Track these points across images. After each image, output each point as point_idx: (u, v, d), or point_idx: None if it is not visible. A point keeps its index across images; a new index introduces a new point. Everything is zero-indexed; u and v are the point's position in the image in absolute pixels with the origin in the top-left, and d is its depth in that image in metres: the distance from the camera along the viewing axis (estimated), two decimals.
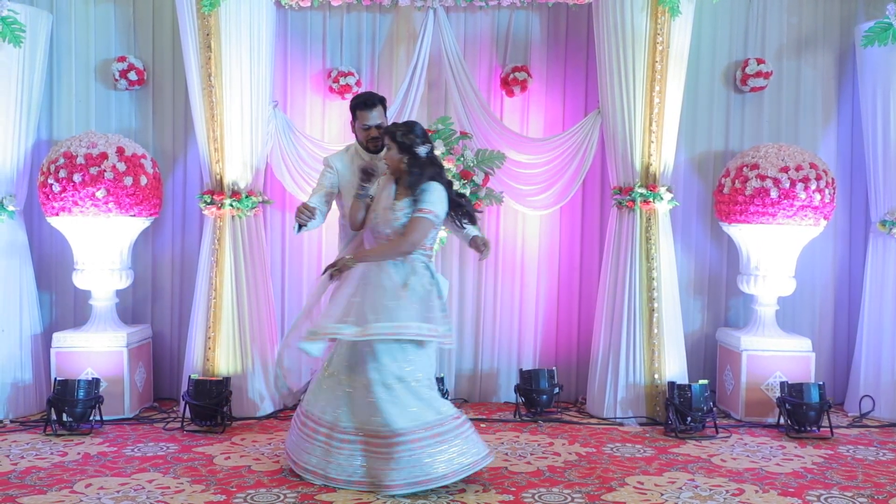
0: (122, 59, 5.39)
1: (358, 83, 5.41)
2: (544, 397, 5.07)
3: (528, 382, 5.11)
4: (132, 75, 5.38)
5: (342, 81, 5.36)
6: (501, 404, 5.40)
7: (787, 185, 4.86)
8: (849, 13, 5.52)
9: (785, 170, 4.89)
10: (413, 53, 5.24)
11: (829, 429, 4.70)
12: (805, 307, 5.57)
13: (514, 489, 3.72)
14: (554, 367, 5.28)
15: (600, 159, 5.40)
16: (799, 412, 4.69)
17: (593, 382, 5.17)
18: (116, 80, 5.41)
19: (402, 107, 5.18)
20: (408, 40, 5.43)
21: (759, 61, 5.41)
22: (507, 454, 4.27)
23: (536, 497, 3.62)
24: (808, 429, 4.71)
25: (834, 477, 3.98)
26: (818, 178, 4.91)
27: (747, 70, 5.41)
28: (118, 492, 3.65)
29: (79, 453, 4.24)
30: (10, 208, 5.04)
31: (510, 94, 5.46)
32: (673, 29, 4.91)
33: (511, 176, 5.27)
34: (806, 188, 4.87)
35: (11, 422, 4.88)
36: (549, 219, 5.54)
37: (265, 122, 5.12)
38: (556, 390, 5.12)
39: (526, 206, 5.34)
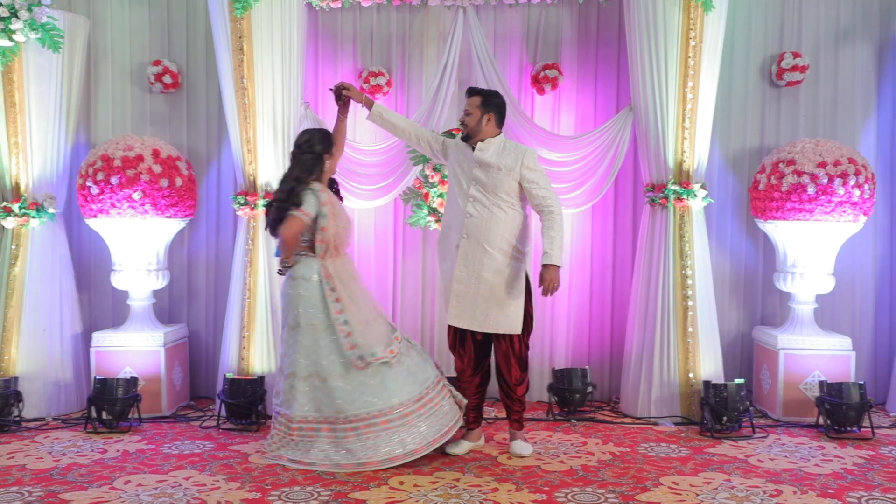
0: (157, 62, 5.47)
1: (388, 83, 5.44)
2: (577, 396, 5.05)
3: (561, 381, 5.09)
4: (167, 79, 5.46)
5: (373, 81, 5.39)
6: (534, 403, 5.38)
7: (825, 181, 4.77)
8: (888, 4, 5.40)
9: (822, 165, 4.80)
10: (443, 52, 5.24)
11: (870, 429, 4.61)
12: (844, 305, 5.46)
13: (546, 488, 3.71)
14: (587, 366, 5.25)
15: (632, 156, 5.36)
16: (838, 412, 4.60)
17: (627, 381, 5.14)
18: (152, 83, 5.49)
19: (433, 106, 5.18)
20: (438, 39, 5.44)
21: (796, 55, 5.32)
22: (540, 453, 4.26)
23: (570, 496, 3.61)
24: (849, 429, 4.62)
25: (875, 478, 3.90)
26: (857, 174, 4.81)
27: (783, 64, 5.32)
28: (156, 488, 3.71)
29: (118, 450, 4.31)
30: (51, 211, 5.15)
31: (541, 91, 5.44)
32: (706, 23, 4.85)
33: None
34: (844, 184, 4.78)
35: (53, 419, 4.99)
36: (580, 217, 5.50)
37: (297, 123, 5.16)
38: (590, 389, 5.09)
39: None
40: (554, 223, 4.07)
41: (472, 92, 4.24)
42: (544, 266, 4.06)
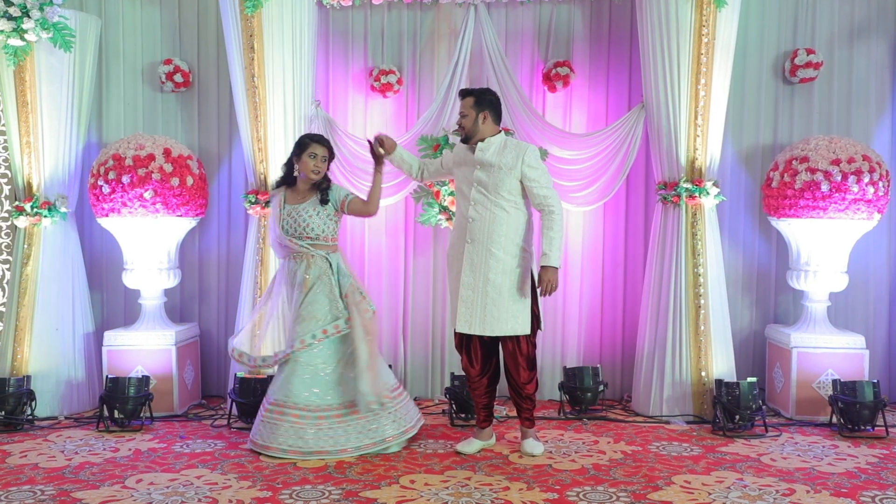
0: (168, 61, 5.49)
1: (399, 81, 5.43)
2: (589, 395, 5.03)
3: (573, 380, 5.07)
4: (178, 77, 5.47)
5: (384, 80, 5.38)
6: (546, 402, 5.36)
7: (839, 178, 4.73)
8: None
9: (836, 162, 4.77)
10: (454, 50, 5.23)
11: (884, 428, 4.57)
12: (858, 303, 5.42)
13: (558, 487, 3.70)
14: (598, 365, 5.23)
15: (644, 154, 5.33)
16: (852, 411, 4.57)
17: (639, 380, 5.12)
18: (163, 82, 5.51)
19: (444, 104, 5.18)
20: (449, 37, 5.43)
21: (809, 51, 5.28)
22: (551, 452, 4.25)
23: (581, 495, 3.59)
24: (862, 428, 4.59)
25: (889, 477, 3.86)
26: (871, 171, 4.77)
27: (796, 61, 5.28)
28: (167, 487, 3.72)
29: (130, 449, 4.33)
30: (63, 210, 5.17)
31: (552, 89, 5.42)
32: (719, 20, 4.82)
33: (554, 172, 5.20)
34: (858, 181, 4.74)
35: (66, 418, 5.01)
36: (592, 215, 5.49)
37: (308, 121, 5.16)
38: (601, 388, 5.07)
39: (569, 202, 5.29)
40: (554, 223, 4.05)
41: (464, 93, 4.22)
42: (543, 268, 4.04)
